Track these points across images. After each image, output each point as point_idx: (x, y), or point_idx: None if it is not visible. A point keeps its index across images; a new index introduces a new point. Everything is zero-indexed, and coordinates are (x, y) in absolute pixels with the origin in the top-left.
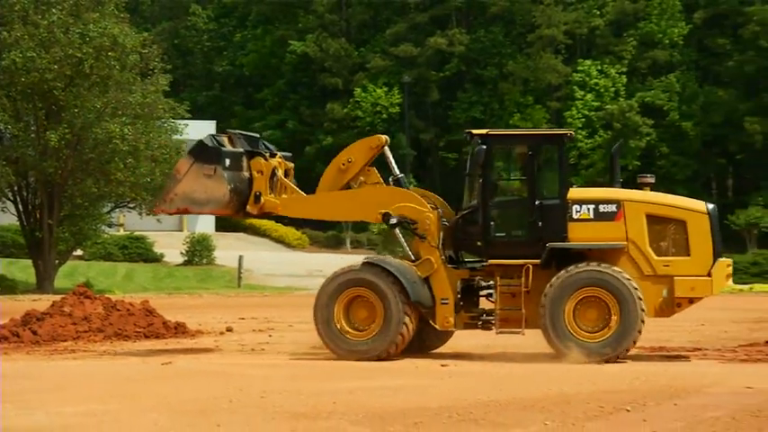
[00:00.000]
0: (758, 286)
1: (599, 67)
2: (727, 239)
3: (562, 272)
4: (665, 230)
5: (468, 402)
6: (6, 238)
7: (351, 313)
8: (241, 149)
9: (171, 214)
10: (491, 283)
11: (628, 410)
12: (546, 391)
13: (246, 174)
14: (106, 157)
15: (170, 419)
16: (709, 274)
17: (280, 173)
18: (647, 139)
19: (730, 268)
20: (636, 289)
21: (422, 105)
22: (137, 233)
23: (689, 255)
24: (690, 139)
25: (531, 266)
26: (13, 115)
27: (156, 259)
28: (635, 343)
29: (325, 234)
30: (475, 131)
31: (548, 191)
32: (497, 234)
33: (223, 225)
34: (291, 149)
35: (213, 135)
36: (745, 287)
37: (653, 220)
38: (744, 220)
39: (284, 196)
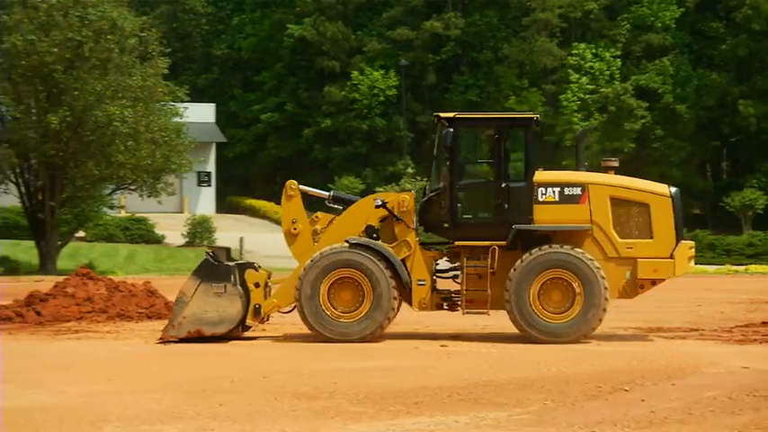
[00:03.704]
0: (753, 267)
1: (594, 51)
2: (722, 221)
3: (527, 254)
4: (629, 213)
5: (467, 382)
6: (9, 220)
7: (334, 295)
8: (232, 263)
9: (180, 339)
10: (457, 264)
11: (626, 390)
12: (544, 372)
13: (242, 288)
14: (107, 140)
15: (173, 399)
16: (671, 256)
17: (270, 281)
18: (642, 121)
19: (693, 250)
20: (599, 270)
21: (418, 88)
22: (138, 215)
23: (652, 237)
24: (684, 122)
25: (496, 248)
26: (14, 98)
27: (157, 240)
28: (600, 321)
29: None
30: (442, 114)
31: (514, 174)
32: (464, 216)
33: (223, 207)
34: (290, 132)
35: (209, 252)
36: (741, 268)
37: (617, 202)
38: (739, 202)
39: (273, 294)
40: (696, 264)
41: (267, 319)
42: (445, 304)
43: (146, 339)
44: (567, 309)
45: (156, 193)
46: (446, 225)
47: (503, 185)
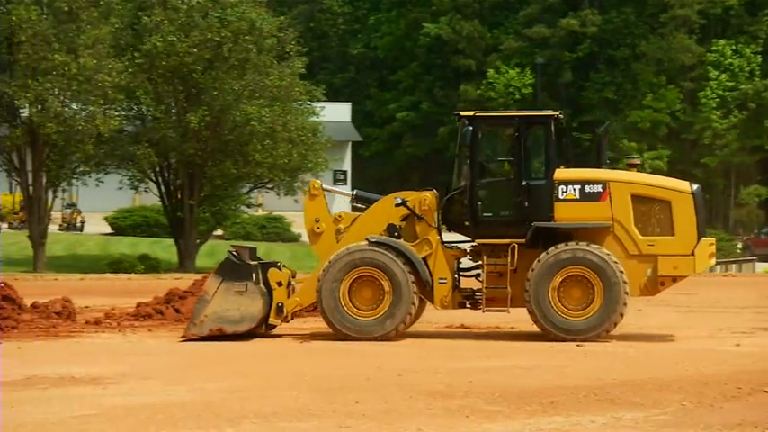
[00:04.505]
0: None
1: (734, 47)
2: None
3: (546, 252)
4: (650, 210)
5: (603, 382)
6: (149, 218)
7: (355, 293)
8: (256, 262)
9: (203, 337)
10: (479, 262)
11: (766, 392)
12: (682, 372)
13: (265, 287)
14: (244, 139)
15: (309, 396)
16: (692, 253)
17: (293, 281)
18: None
19: (713, 247)
20: (619, 267)
21: (554, 86)
22: (275, 213)
23: (673, 234)
24: None
25: (516, 246)
26: (154, 98)
27: (293, 239)
28: (620, 319)
29: None
30: (463, 113)
31: (534, 171)
32: (485, 214)
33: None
34: (426, 131)
35: (232, 252)
36: None
37: (638, 200)
38: None
39: (296, 292)
40: None
41: (291, 318)
42: (467, 302)
43: (282, 337)
44: (586, 306)
45: (293, 191)
46: (467, 223)
47: (523, 183)
